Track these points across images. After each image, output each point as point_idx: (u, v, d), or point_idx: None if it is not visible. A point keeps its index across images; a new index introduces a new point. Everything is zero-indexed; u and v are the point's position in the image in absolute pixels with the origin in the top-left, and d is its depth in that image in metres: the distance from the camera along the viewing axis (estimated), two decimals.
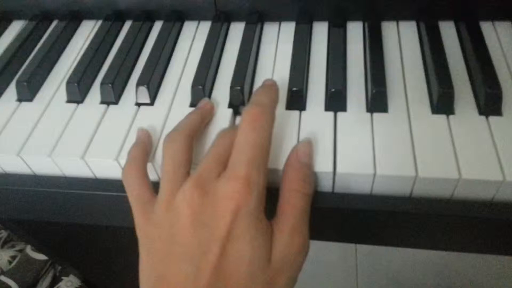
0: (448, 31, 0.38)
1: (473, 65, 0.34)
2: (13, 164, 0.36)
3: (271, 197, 0.29)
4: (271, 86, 0.33)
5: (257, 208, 0.27)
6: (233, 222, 0.26)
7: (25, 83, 0.39)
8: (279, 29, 0.42)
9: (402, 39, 0.38)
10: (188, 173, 0.29)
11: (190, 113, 0.34)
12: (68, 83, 0.39)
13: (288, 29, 0.41)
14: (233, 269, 0.26)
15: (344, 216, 0.33)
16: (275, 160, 0.31)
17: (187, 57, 0.41)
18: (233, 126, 0.34)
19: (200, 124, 0.33)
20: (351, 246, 1.22)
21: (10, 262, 0.81)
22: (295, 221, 0.28)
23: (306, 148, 0.31)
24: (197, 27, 0.44)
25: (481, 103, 0.32)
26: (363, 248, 1.21)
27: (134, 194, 0.30)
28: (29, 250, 0.81)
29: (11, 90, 0.41)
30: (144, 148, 0.33)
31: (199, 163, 0.29)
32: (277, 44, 0.40)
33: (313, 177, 0.31)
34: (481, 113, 0.32)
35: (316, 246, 1.21)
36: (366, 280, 1.17)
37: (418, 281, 1.14)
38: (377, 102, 0.33)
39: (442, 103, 0.32)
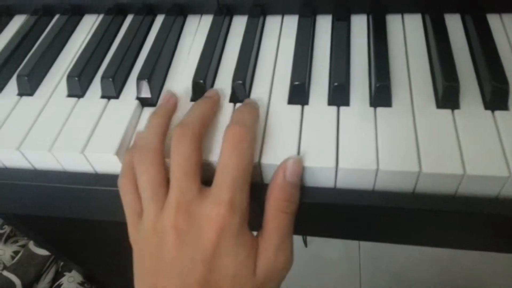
0: (454, 24, 0.38)
1: (479, 59, 0.34)
2: (14, 159, 0.36)
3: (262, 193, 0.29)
4: (253, 104, 0.34)
5: (240, 225, 0.28)
6: (218, 241, 0.28)
7: (26, 78, 0.39)
8: (281, 22, 0.41)
9: (407, 33, 0.38)
10: (167, 193, 0.30)
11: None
12: (69, 77, 0.38)
13: (291, 22, 0.41)
14: (220, 283, 0.28)
15: (346, 213, 0.33)
16: (274, 156, 0.31)
17: (189, 51, 0.41)
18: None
19: (167, 122, 0.33)
20: (354, 243, 1.22)
21: (12, 258, 0.81)
22: (279, 240, 0.29)
23: (295, 167, 0.30)
24: (199, 21, 0.43)
25: (487, 98, 0.32)
26: (367, 246, 1.21)
27: (127, 206, 0.31)
28: (31, 245, 0.81)
29: (12, 85, 0.40)
30: None
31: (171, 177, 0.29)
32: (279, 37, 0.40)
33: (298, 195, 0.31)
34: (486, 107, 0.32)
35: (319, 244, 1.21)
36: (370, 278, 1.16)
37: (422, 279, 1.14)
38: (380, 96, 0.33)
39: (447, 97, 0.32)
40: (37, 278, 0.80)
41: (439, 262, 1.14)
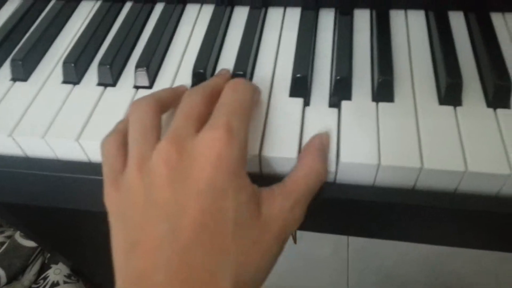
0: (457, 21, 0.38)
1: (482, 57, 0.34)
2: (5, 145, 0.35)
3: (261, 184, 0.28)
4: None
5: (238, 162, 0.25)
6: (213, 175, 0.24)
7: (20, 62, 0.38)
8: (283, 14, 0.41)
9: (410, 28, 0.38)
10: (159, 138, 0.27)
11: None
12: (65, 63, 0.37)
13: (293, 15, 0.40)
14: (217, 227, 0.24)
15: (346, 208, 0.32)
16: (276, 147, 0.30)
17: (188, 41, 0.40)
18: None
19: (171, 100, 0.31)
20: (343, 241, 1.23)
21: None
22: (303, 194, 0.27)
23: (328, 139, 0.31)
24: (200, 11, 0.43)
25: (489, 95, 0.32)
26: (356, 244, 1.22)
27: (108, 162, 0.28)
28: (17, 236, 0.79)
29: (5, 69, 0.39)
30: None
31: (171, 122, 0.27)
32: (281, 29, 0.39)
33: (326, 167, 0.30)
34: (489, 105, 0.32)
35: (308, 241, 1.21)
36: (357, 276, 1.17)
37: (410, 279, 1.15)
38: (383, 91, 0.32)
39: (450, 94, 0.32)
40: (23, 270, 0.79)
41: (427, 262, 1.15)
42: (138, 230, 0.25)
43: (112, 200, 0.27)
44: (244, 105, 0.28)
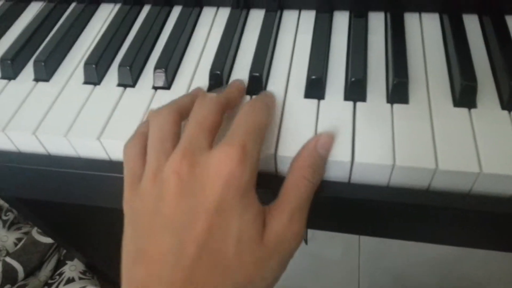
0: (471, 24, 0.38)
1: (497, 59, 0.34)
2: (28, 143, 0.36)
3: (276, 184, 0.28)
4: (269, 92, 0.34)
5: (249, 183, 0.26)
6: (222, 193, 0.25)
7: (42, 63, 0.39)
8: (298, 17, 0.41)
9: (424, 31, 0.38)
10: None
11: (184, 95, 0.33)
12: (86, 64, 0.38)
13: (308, 17, 0.41)
14: (220, 245, 0.24)
15: (360, 208, 0.33)
16: (289, 147, 0.31)
17: (205, 43, 0.41)
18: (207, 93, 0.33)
19: (191, 107, 0.31)
20: (355, 243, 1.22)
21: (15, 244, 0.81)
22: (296, 206, 0.27)
23: (327, 140, 0.30)
24: (216, 13, 0.44)
25: (504, 98, 0.32)
26: (367, 246, 1.21)
27: (128, 167, 0.29)
28: (35, 233, 0.81)
29: (28, 70, 0.41)
30: None
31: (183, 133, 0.28)
32: (296, 32, 0.40)
33: (323, 170, 0.30)
34: (503, 107, 0.32)
35: (320, 242, 1.21)
36: (368, 278, 1.17)
37: (421, 281, 1.14)
38: (398, 92, 0.33)
39: (465, 96, 0.32)
40: (39, 266, 0.81)
41: (439, 265, 1.15)
42: (145, 238, 0.26)
43: (128, 204, 0.28)
44: (260, 127, 0.28)
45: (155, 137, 0.29)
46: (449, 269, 1.14)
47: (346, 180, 0.32)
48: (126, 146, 0.30)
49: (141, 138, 0.30)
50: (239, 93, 0.34)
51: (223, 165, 0.25)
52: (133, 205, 0.28)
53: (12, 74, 0.40)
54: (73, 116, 0.36)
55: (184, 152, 0.26)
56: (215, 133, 0.28)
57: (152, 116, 0.30)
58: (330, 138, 0.31)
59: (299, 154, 0.30)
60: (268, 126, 0.30)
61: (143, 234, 0.26)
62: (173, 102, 0.31)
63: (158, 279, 0.24)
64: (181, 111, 0.30)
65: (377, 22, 0.40)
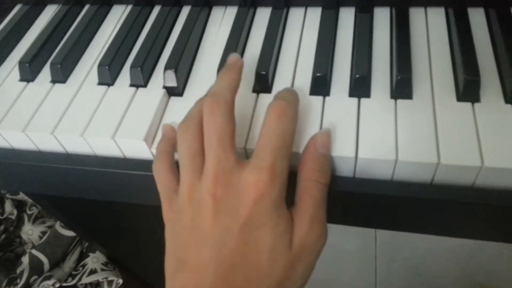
0: (477, 18, 0.38)
1: (502, 53, 0.34)
2: (47, 143, 0.38)
3: (290, 180, 0.29)
4: (292, 89, 0.34)
5: (279, 196, 0.28)
6: (255, 210, 0.27)
7: (58, 65, 0.41)
8: (305, 14, 0.42)
9: (429, 26, 0.38)
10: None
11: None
12: (100, 66, 0.40)
13: (314, 14, 0.41)
14: (255, 256, 0.27)
15: (365, 201, 0.33)
16: (297, 144, 0.32)
17: (214, 42, 0.42)
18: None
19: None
20: (371, 235, 1.22)
21: (40, 237, 0.85)
22: (314, 210, 0.29)
23: (325, 138, 0.31)
24: (224, 13, 0.44)
25: (508, 91, 0.32)
26: (383, 238, 1.21)
27: (162, 184, 0.32)
28: (58, 226, 0.84)
29: (45, 72, 0.42)
30: (170, 142, 0.34)
31: (207, 148, 0.29)
32: (302, 29, 0.41)
33: (330, 166, 0.31)
34: (507, 101, 0.32)
35: (336, 234, 1.21)
36: (385, 270, 1.17)
37: (438, 272, 1.13)
38: (401, 88, 0.33)
39: (468, 90, 0.32)
40: (63, 258, 0.84)
41: (456, 256, 1.14)
42: (185, 249, 0.29)
43: (167, 217, 0.31)
44: (288, 140, 0.29)
45: (184, 155, 0.30)
46: (466, 258, 1.13)
47: (351, 174, 0.33)
48: (155, 165, 0.33)
49: (165, 156, 0.33)
50: (239, 72, 0.33)
51: (254, 187, 0.27)
52: (172, 218, 0.31)
53: (30, 76, 0.42)
54: (88, 116, 0.37)
55: (216, 175, 0.28)
56: (235, 140, 0.30)
57: (180, 132, 0.32)
58: (327, 135, 0.31)
59: (303, 161, 0.30)
60: (295, 133, 0.30)
61: (181, 245, 0.29)
62: (192, 117, 0.32)
63: (201, 286, 0.27)
64: (200, 123, 0.31)
65: (382, 17, 0.40)
